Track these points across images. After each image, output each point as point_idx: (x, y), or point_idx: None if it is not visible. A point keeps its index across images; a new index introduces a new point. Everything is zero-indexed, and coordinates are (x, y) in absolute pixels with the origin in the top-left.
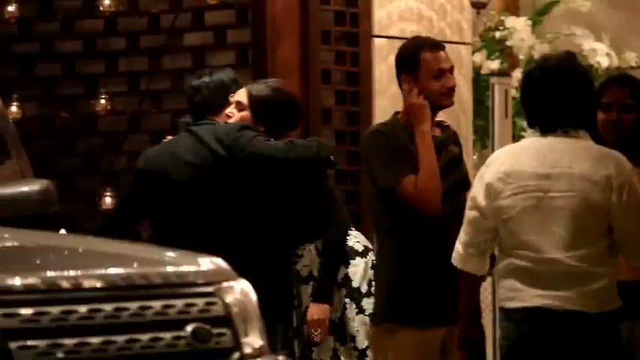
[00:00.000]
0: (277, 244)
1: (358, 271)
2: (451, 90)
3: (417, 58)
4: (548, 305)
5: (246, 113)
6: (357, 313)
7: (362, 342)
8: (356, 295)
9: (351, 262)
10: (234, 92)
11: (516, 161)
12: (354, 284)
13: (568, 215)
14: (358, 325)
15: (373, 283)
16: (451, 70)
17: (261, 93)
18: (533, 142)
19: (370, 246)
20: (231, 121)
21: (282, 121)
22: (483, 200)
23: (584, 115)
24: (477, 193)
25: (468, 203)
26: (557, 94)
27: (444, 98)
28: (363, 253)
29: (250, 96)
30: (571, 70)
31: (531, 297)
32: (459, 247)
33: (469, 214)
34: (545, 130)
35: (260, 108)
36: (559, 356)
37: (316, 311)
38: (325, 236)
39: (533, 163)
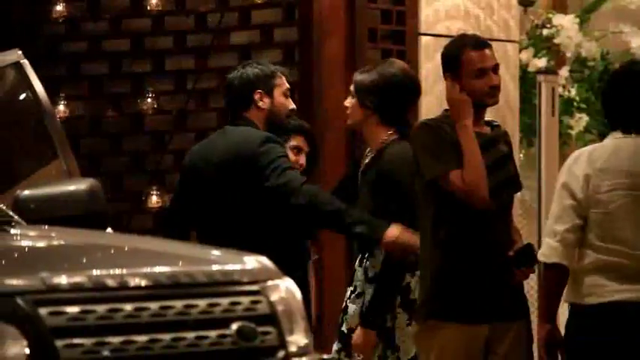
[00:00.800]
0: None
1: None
2: (494, 89)
3: (459, 57)
4: (632, 299)
5: (356, 101)
6: (407, 325)
7: (406, 354)
8: (411, 307)
9: (417, 273)
10: (262, 88)
11: (608, 159)
12: (412, 296)
13: None
14: (406, 336)
15: None
16: (495, 68)
17: (364, 80)
18: (621, 142)
19: None
20: (348, 112)
21: (390, 105)
22: (580, 192)
23: None
24: (569, 184)
25: (561, 195)
26: None
27: (487, 97)
28: None
29: (355, 83)
30: None
31: (612, 292)
32: (550, 239)
33: (564, 203)
34: (630, 131)
35: (364, 95)
36: (635, 350)
37: (361, 335)
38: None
39: (627, 162)
